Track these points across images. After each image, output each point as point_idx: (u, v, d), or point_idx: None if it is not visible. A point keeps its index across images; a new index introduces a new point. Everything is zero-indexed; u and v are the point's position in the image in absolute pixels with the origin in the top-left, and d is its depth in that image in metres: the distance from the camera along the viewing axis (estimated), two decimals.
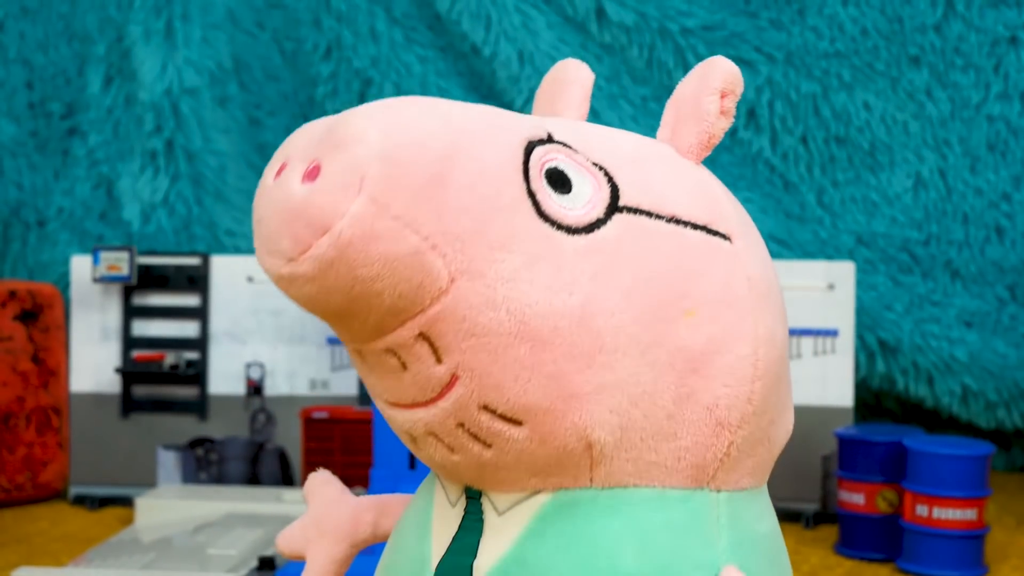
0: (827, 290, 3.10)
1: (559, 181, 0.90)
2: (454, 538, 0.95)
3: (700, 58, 3.79)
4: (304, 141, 0.87)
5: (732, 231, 0.95)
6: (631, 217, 0.91)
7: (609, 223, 0.89)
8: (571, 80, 1.12)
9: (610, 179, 0.92)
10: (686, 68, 3.60)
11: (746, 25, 3.78)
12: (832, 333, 3.09)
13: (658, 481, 0.92)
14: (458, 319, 0.85)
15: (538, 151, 0.90)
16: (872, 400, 3.76)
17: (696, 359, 0.90)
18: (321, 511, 1.12)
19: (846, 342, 3.09)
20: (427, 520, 0.99)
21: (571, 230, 0.88)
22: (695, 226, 0.93)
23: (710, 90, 0.99)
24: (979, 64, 3.70)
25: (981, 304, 3.68)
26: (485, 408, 0.87)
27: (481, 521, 0.94)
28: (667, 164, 0.97)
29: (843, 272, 3.11)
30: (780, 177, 3.78)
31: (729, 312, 0.92)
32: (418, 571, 0.97)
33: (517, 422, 0.88)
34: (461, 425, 0.89)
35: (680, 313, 0.90)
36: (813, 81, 3.74)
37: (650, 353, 0.88)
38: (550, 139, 0.92)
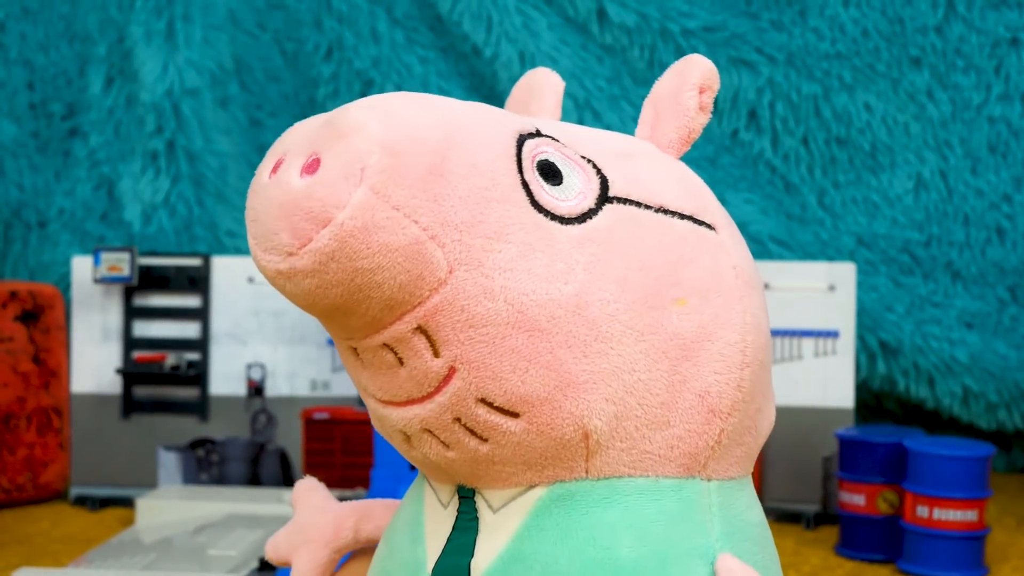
0: (828, 291, 3.10)
1: (550, 173, 0.91)
2: (449, 539, 0.96)
3: None
4: (301, 136, 0.88)
5: (716, 222, 0.97)
6: (621, 207, 0.92)
7: (600, 213, 0.91)
8: (543, 85, 1.13)
9: (599, 171, 0.94)
10: None
11: (747, 26, 3.78)
12: (833, 334, 3.09)
13: (651, 471, 0.92)
14: (457, 310, 0.85)
15: (529, 143, 0.91)
16: (873, 401, 3.76)
17: (688, 346, 0.91)
18: (305, 518, 1.13)
19: (847, 343, 3.09)
20: (419, 523, 0.99)
21: (564, 220, 0.89)
22: (682, 216, 0.95)
23: (689, 86, 1.00)
24: (980, 65, 3.70)
25: (982, 305, 3.68)
26: (482, 401, 0.88)
27: (476, 520, 0.94)
28: (651, 159, 0.99)
29: (844, 273, 3.11)
30: (781, 178, 3.78)
31: (718, 300, 0.93)
32: (414, 574, 0.97)
33: (514, 414, 0.88)
34: (458, 420, 0.89)
35: (671, 301, 0.91)
36: (814, 82, 3.74)
37: (644, 341, 0.90)
38: (539, 133, 0.94)
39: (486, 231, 0.86)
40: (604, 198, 0.92)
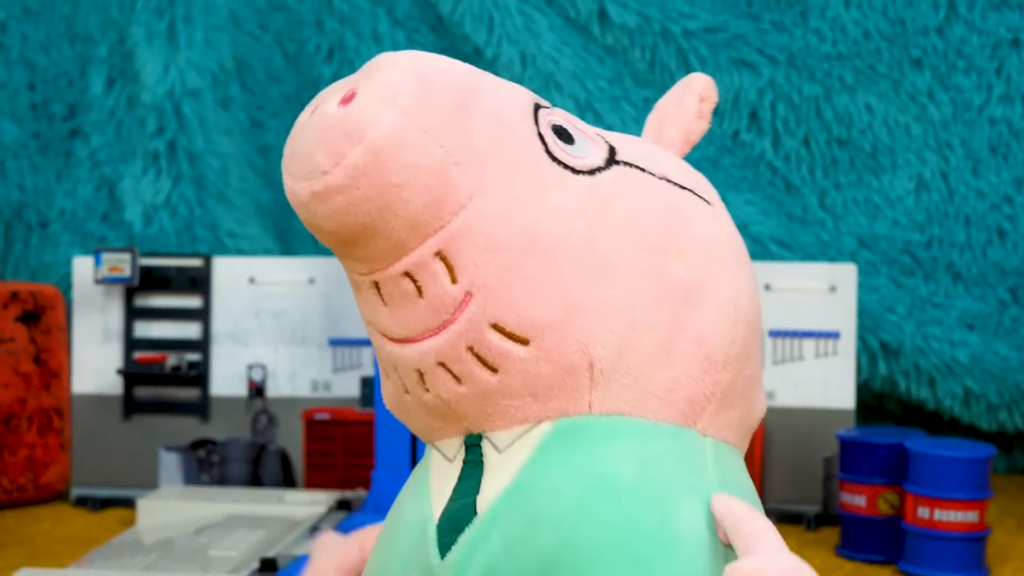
0: (829, 292, 3.10)
1: (563, 135, 0.99)
2: (454, 489, 1.00)
3: (702, 60, 3.79)
4: (340, 81, 0.96)
5: (713, 201, 1.06)
6: (628, 169, 1.00)
7: (609, 170, 0.99)
8: None
9: (607, 142, 1.02)
10: (688, 70, 3.61)
11: (748, 27, 3.78)
12: (834, 335, 3.09)
13: (652, 413, 0.97)
14: (475, 234, 0.92)
15: (544, 111, 0.99)
16: (874, 402, 3.76)
17: (687, 293, 0.98)
18: (315, 558, 1.17)
19: (848, 344, 3.09)
20: (424, 484, 1.03)
21: (575, 171, 0.97)
22: (683, 187, 1.03)
23: (690, 93, 1.12)
24: (981, 66, 3.70)
25: (983, 306, 3.68)
26: (495, 327, 0.93)
27: (481, 465, 0.99)
28: (654, 148, 1.08)
29: (845, 274, 3.11)
30: (782, 179, 3.78)
31: (715, 256, 1.01)
32: (420, 528, 1.00)
33: (524, 340, 0.94)
34: (470, 349, 0.94)
35: (673, 250, 0.98)
36: (815, 83, 3.74)
37: (647, 279, 0.96)
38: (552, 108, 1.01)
39: (506, 164, 0.94)
40: (612, 160, 1.00)
